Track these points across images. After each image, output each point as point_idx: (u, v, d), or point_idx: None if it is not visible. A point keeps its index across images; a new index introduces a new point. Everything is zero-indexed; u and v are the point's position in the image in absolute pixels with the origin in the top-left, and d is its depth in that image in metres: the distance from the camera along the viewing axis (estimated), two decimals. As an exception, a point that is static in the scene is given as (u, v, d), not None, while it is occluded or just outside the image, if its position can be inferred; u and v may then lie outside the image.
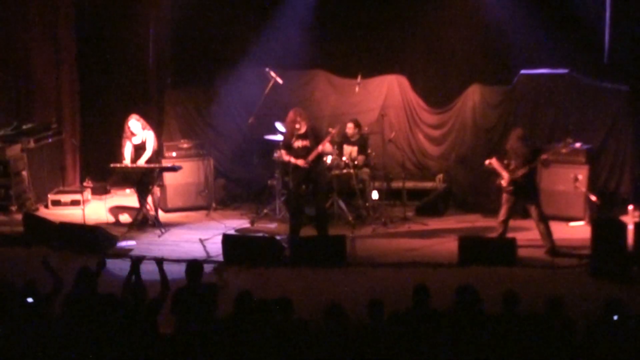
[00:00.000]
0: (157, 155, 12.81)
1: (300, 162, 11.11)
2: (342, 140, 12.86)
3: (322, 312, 6.96)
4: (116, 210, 13.10)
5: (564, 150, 11.29)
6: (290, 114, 11.22)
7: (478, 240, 11.22)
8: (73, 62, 14.78)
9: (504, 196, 11.04)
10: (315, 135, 11.20)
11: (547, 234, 10.94)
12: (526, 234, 11.50)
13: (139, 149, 12.38)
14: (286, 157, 11.26)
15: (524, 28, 13.28)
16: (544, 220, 10.98)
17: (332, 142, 11.85)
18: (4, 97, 14.52)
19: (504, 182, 10.94)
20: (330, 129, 11.56)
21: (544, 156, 10.80)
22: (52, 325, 7.10)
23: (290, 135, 11.24)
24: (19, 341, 6.93)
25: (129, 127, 12.31)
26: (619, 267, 9.98)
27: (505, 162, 10.99)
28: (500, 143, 13.13)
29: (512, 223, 11.38)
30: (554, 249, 10.82)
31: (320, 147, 11.15)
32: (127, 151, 12.35)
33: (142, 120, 12.40)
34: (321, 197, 11.47)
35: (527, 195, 10.91)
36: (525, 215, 11.59)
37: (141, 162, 12.29)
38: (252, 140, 13.91)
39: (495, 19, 13.35)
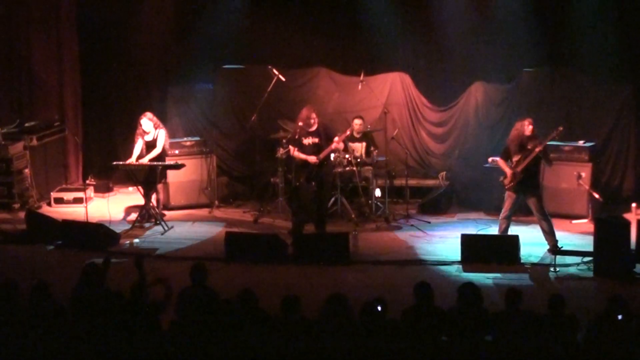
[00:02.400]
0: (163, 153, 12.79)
1: (312, 158, 11.15)
2: (348, 138, 12.86)
3: (325, 302, 6.95)
4: (118, 208, 13.12)
5: (554, 136, 11.05)
6: (305, 111, 11.32)
7: (480, 237, 11.21)
8: (75, 60, 14.77)
9: (506, 192, 11.02)
10: (325, 133, 11.27)
11: (550, 231, 10.92)
12: (529, 231, 11.49)
13: (150, 147, 12.36)
14: (297, 154, 11.27)
15: (527, 25, 13.27)
16: (546, 217, 10.96)
17: (344, 141, 11.87)
18: (6, 95, 14.51)
19: (506, 180, 10.92)
20: (347, 130, 11.58)
21: (538, 148, 10.72)
22: (59, 320, 7.10)
23: (301, 131, 11.27)
24: (24, 337, 6.93)
25: (140, 125, 12.32)
26: (621, 265, 9.97)
27: (509, 161, 10.96)
28: (504, 140, 13.13)
29: (515, 220, 11.39)
30: (557, 247, 10.81)
31: (333, 145, 11.21)
32: (137, 148, 12.36)
33: (155, 118, 12.39)
34: (325, 194, 11.49)
35: (526, 191, 10.87)
36: (529, 212, 11.58)
37: (146, 159, 12.28)
38: (254, 138, 13.91)
39: (498, 16, 13.32)
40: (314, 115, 11.25)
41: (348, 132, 11.57)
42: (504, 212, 11.04)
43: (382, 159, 12.89)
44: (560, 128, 10.97)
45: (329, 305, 6.94)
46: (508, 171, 10.87)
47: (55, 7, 14.49)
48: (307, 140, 11.28)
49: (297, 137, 11.37)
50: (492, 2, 13.36)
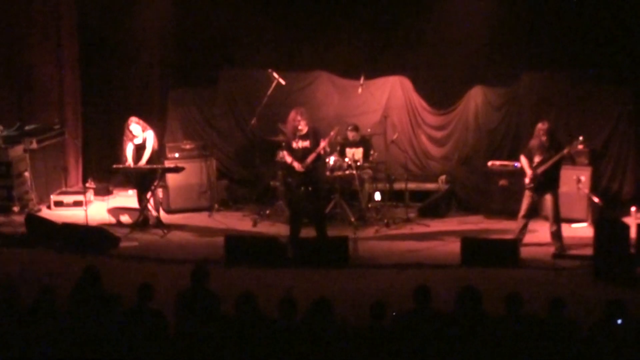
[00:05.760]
0: (159, 155, 12.81)
1: (296, 165, 11.09)
2: (345, 143, 12.86)
3: (309, 308, 6.95)
4: (116, 211, 13.08)
5: (580, 147, 11.16)
6: (292, 114, 11.20)
7: (480, 241, 11.21)
8: (75, 63, 14.79)
9: (526, 192, 11.08)
10: (315, 137, 11.15)
11: (558, 234, 10.97)
12: (529, 235, 11.50)
13: (141, 149, 12.40)
14: (288, 159, 11.23)
15: (527, 29, 13.28)
16: (559, 219, 11.00)
17: (331, 145, 11.82)
18: (6, 98, 14.52)
19: (526, 180, 10.96)
20: (331, 133, 11.54)
21: (566, 150, 10.83)
22: (57, 323, 7.10)
23: (291, 135, 11.22)
24: (24, 340, 6.94)
25: (130, 131, 12.33)
26: (621, 269, 9.96)
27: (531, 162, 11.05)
28: (503, 144, 13.18)
29: (512, 225, 11.39)
30: (563, 252, 10.86)
31: (318, 149, 11.11)
32: (129, 152, 12.38)
33: (141, 121, 12.42)
34: (321, 198, 11.44)
35: (545, 191, 10.98)
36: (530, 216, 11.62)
37: (142, 162, 12.31)
38: (254, 141, 13.92)
39: (498, 20, 13.33)
40: (299, 118, 11.04)
41: (332, 134, 11.50)
42: (522, 211, 11.09)
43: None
44: (581, 138, 11.07)
45: (314, 309, 6.95)
46: (529, 172, 10.92)
47: (55, 10, 14.51)
48: (297, 144, 11.13)
49: (288, 140, 11.31)
50: (492, 5, 13.35)
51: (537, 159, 10.97)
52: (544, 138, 10.90)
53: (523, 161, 11.12)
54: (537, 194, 11.03)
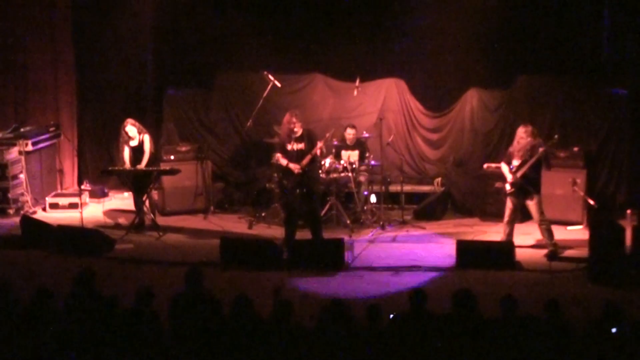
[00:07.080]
0: (155, 157, 12.79)
1: (292, 166, 11.08)
2: (341, 145, 12.86)
3: (323, 310, 6.94)
4: (112, 213, 13.07)
5: (550, 145, 11.21)
6: (287, 116, 11.19)
7: (476, 243, 11.22)
8: (71, 65, 14.77)
9: (507, 198, 11.08)
10: (310, 139, 11.14)
11: (549, 235, 10.96)
12: (524, 237, 11.52)
13: (137, 152, 12.40)
14: (283, 161, 11.22)
15: (523, 32, 13.29)
16: (546, 221, 11.00)
17: (326, 147, 11.82)
18: (2, 100, 14.52)
19: (507, 185, 10.95)
20: (327, 134, 11.53)
21: (542, 149, 10.83)
22: (52, 325, 7.09)
23: (286, 137, 11.21)
24: (19, 341, 6.92)
25: (126, 133, 12.34)
26: (617, 271, 9.97)
27: (510, 166, 11.03)
28: (499, 146, 13.17)
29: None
30: (557, 251, 10.85)
31: (314, 151, 11.12)
32: (127, 155, 12.38)
33: (137, 124, 12.43)
34: (315, 200, 11.43)
35: (526, 194, 10.94)
36: (525, 218, 11.61)
37: (142, 166, 12.30)
38: (250, 144, 13.90)
39: (494, 22, 13.34)
40: (294, 120, 11.03)
41: (328, 135, 11.49)
42: (506, 217, 11.09)
43: (373, 163, 12.86)
44: (556, 136, 11.15)
45: (328, 311, 6.94)
46: (509, 177, 10.92)
47: (50, 12, 14.49)
48: (292, 146, 11.12)
49: (282, 142, 11.31)
50: (488, 8, 13.36)
51: (515, 163, 10.96)
52: (525, 141, 10.90)
53: (504, 168, 11.10)
54: (519, 199, 11.02)
